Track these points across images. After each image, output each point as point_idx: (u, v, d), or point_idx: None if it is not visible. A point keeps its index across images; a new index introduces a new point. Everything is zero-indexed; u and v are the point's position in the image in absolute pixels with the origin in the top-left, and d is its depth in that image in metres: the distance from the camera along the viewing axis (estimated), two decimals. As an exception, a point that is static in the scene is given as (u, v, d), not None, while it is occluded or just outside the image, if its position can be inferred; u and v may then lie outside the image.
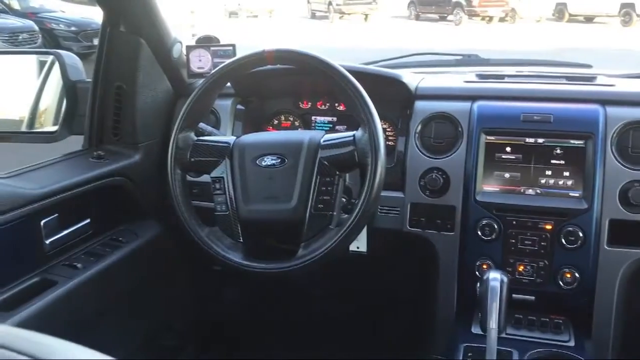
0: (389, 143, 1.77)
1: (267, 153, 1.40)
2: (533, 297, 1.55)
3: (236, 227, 1.39)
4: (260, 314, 2.33)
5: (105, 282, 1.55)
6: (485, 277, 1.32)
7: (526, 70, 2.02)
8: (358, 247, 1.66)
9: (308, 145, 1.38)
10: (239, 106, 1.88)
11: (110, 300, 1.61)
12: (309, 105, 1.92)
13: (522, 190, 1.55)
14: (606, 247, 1.49)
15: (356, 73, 1.38)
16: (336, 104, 1.89)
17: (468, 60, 2.11)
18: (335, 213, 1.36)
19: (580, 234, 1.49)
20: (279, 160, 1.39)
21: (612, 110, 1.53)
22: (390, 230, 1.66)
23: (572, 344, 1.46)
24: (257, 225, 1.41)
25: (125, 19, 1.69)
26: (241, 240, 1.39)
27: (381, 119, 1.37)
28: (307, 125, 1.92)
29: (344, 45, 12.09)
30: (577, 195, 1.51)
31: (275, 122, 1.95)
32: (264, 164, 1.39)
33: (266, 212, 1.38)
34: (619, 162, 1.49)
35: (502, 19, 19.29)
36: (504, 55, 2.42)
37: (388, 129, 1.80)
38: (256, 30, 17.21)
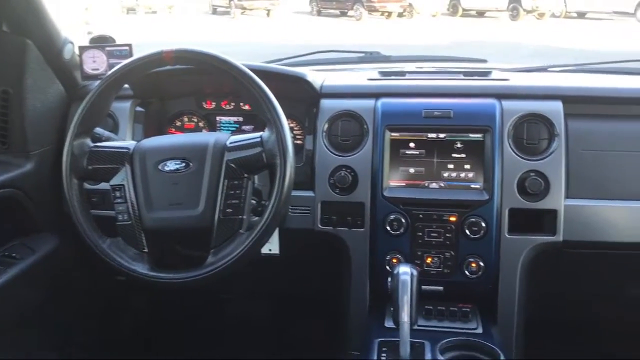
0: (297, 142, 1.76)
1: (170, 157, 1.35)
2: (441, 288, 1.59)
3: (140, 236, 1.33)
4: (171, 321, 2.25)
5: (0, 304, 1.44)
6: (395, 272, 1.34)
7: (426, 66, 2.08)
8: (270, 250, 1.64)
9: (213, 147, 1.35)
10: (138, 108, 1.80)
11: (6, 323, 1.50)
12: (213, 105, 1.87)
13: (426, 185, 1.59)
14: (507, 235, 1.56)
15: (260, 72, 1.37)
16: (242, 104, 1.85)
17: (370, 57, 2.14)
18: (245, 217, 1.34)
19: (483, 224, 1.54)
20: (183, 164, 1.35)
21: (507, 104, 1.60)
22: (302, 230, 1.65)
23: (480, 330, 1.52)
24: (163, 234, 1.36)
25: (8, 18, 1.56)
26: (146, 250, 1.34)
27: (288, 117, 1.36)
28: (212, 126, 1.87)
29: (247, 42, 11.98)
30: (478, 187, 1.57)
31: (178, 123, 1.88)
32: (167, 169, 1.34)
33: (172, 220, 1.33)
34: (515, 153, 1.56)
35: (400, 14, 19.80)
36: (405, 51, 2.47)
37: (295, 128, 1.79)
38: (155, 27, 16.68)
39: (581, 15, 19.44)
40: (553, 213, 1.55)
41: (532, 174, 1.55)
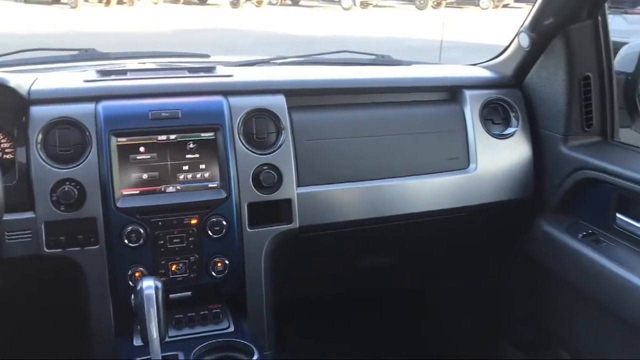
0: (7, 156, 1.54)
1: None
2: (189, 293, 1.55)
3: None
4: None
5: None
6: (138, 287, 1.28)
7: (148, 62, 1.98)
8: None
9: None
10: None
11: None
12: None
13: (162, 189, 1.52)
14: (248, 229, 1.58)
15: None
16: None
17: (85, 54, 1.97)
18: None
19: (224, 222, 1.54)
20: None
21: (234, 100, 1.61)
22: (25, 257, 1.46)
23: (232, 329, 1.53)
24: None
25: None
26: None
27: None
28: None
29: None
30: (215, 185, 1.56)
31: None
32: None
33: None
34: (247, 149, 1.59)
35: (120, 1, 18.96)
36: (127, 41, 2.33)
37: (3, 140, 1.56)
38: None
39: (295, 2, 20.92)
40: (288, 202, 1.62)
41: (265, 168, 1.59)
